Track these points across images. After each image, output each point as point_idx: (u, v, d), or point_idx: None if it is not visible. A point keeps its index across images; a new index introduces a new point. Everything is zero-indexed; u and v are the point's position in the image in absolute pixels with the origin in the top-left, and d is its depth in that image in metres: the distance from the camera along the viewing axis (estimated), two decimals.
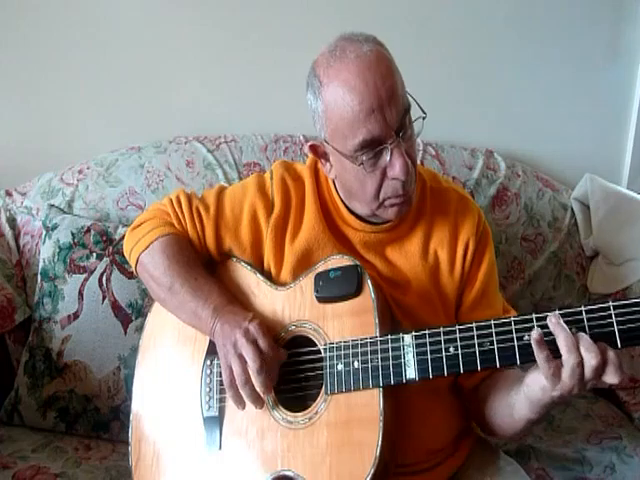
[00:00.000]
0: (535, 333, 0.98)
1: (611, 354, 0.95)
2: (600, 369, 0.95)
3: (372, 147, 1.10)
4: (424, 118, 1.13)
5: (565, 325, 0.97)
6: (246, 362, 1.12)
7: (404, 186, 1.14)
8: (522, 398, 1.07)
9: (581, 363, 0.95)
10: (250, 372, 1.12)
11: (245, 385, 1.13)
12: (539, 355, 0.98)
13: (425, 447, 1.21)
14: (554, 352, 0.97)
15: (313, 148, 1.22)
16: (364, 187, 1.16)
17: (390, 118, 1.09)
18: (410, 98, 1.14)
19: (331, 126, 1.14)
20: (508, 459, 1.31)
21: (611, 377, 0.96)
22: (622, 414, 1.77)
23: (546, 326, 0.99)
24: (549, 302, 1.89)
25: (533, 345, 0.98)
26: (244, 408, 1.17)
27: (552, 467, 1.52)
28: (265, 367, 1.12)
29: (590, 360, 0.94)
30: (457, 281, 1.26)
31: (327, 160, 1.22)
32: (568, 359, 0.96)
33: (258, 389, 1.14)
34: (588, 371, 0.95)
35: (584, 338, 0.96)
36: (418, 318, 1.21)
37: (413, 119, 1.14)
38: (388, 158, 1.11)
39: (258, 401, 1.15)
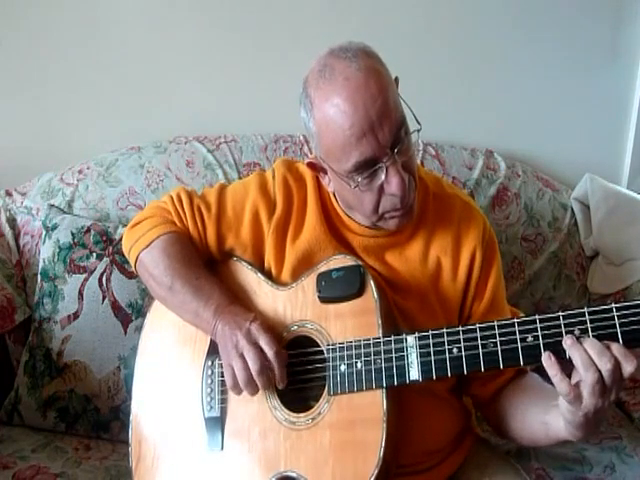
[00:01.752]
0: (544, 355, 0.98)
1: (616, 347, 0.95)
2: (617, 371, 0.94)
3: (367, 168, 1.10)
4: (419, 130, 1.12)
5: (580, 344, 0.96)
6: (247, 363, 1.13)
7: (402, 200, 1.13)
8: (558, 418, 1.05)
9: (600, 379, 0.94)
10: (252, 373, 1.12)
11: (247, 385, 1.13)
12: (553, 377, 0.97)
13: (424, 448, 1.20)
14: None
15: (311, 165, 1.22)
16: (362, 203, 1.16)
17: (383, 137, 1.07)
18: (406, 108, 1.12)
19: (324, 147, 1.13)
20: (508, 459, 1.31)
21: (629, 367, 0.94)
22: (622, 414, 1.77)
23: (548, 335, 0.99)
24: (549, 302, 1.89)
25: (545, 365, 0.97)
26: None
27: (552, 467, 1.52)
28: (266, 368, 1.12)
29: (605, 365, 0.93)
30: (460, 289, 1.25)
31: (325, 174, 1.22)
32: (586, 377, 0.94)
33: (261, 389, 1.14)
34: (607, 377, 0.94)
35: (591, 343, 0.95)
36: (417, 323, 1.21)
37: (410, 129, 1.12)
38: (384, 176, 1.10)
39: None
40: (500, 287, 1.29)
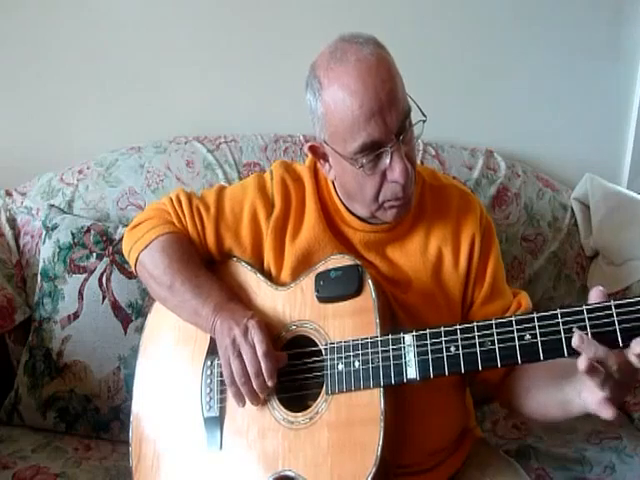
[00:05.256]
0: (581, 363, 0.91)
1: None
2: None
3: (372, 150, 1.11)
4: (424, 121, 1.13)
5: (592, 340, 0.92)
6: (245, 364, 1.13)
7: (403, 189, 1.14)
8: (576, 395, 1.01)
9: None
10: (249, 375, 1.13)
11: (244, 385, 1.14)
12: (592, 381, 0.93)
13: (426, 448, 1.21)
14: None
15: (312, 149, 1.22)
16: (363, 189, 1.16)
17: (390, 121, 1.09)
18: (411, 101, 1.14)
19: (331, 128, 1.14)
20: (508, 459, 1.31)
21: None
22: (622, 414, 1.76)
23: (546, 334, 0.98)
24: (549, 302, 1.88)
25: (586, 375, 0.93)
26: (244, 405, 1.17)
27: (552, 467, 1.51)
28: (262, 370, 1.12)
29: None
30: (462, 276, 1.26)
31: (326, 161, 1.22)
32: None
33: (256, 390, 1.14)
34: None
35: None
36: (420, 316, 1.21)
37: (413, 122, 1.14)
38: (388, 161, 1.11)
39: (256, 400, 1.15)
40: (500, 270, 1.30)
